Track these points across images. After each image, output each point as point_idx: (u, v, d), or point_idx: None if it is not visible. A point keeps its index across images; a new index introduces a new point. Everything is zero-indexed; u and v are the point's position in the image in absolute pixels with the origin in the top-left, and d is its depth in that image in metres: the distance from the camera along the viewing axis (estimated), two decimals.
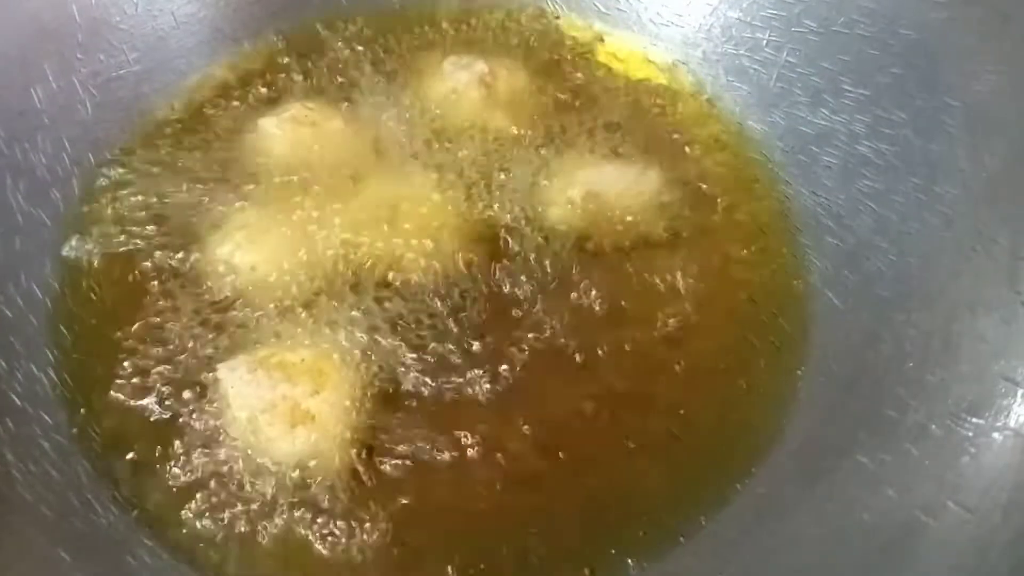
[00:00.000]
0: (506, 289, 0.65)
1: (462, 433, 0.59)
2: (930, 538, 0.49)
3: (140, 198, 0.71)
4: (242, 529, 0.56)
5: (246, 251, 0.65)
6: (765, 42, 0.74)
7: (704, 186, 0.71)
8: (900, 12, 0.67)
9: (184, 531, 0.56)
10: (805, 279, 0.67)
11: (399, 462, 0.58)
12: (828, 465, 0.56)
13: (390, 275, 0.65)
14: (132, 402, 0.60)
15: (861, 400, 0.58)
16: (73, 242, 0.68)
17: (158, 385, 0.61)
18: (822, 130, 0.70)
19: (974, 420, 0.52)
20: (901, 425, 0.55)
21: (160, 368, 0.61)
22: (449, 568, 0.55)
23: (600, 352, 0.63)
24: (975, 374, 0.54)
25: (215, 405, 0.59)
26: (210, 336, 0.62)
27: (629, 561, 0.56)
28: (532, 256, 0.66)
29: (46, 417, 0.59)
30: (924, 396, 0.55)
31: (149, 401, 0.60)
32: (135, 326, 0.63)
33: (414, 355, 0.62)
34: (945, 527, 0.49)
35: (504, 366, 0.62)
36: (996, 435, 0.51)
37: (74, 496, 0.56)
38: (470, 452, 0.59)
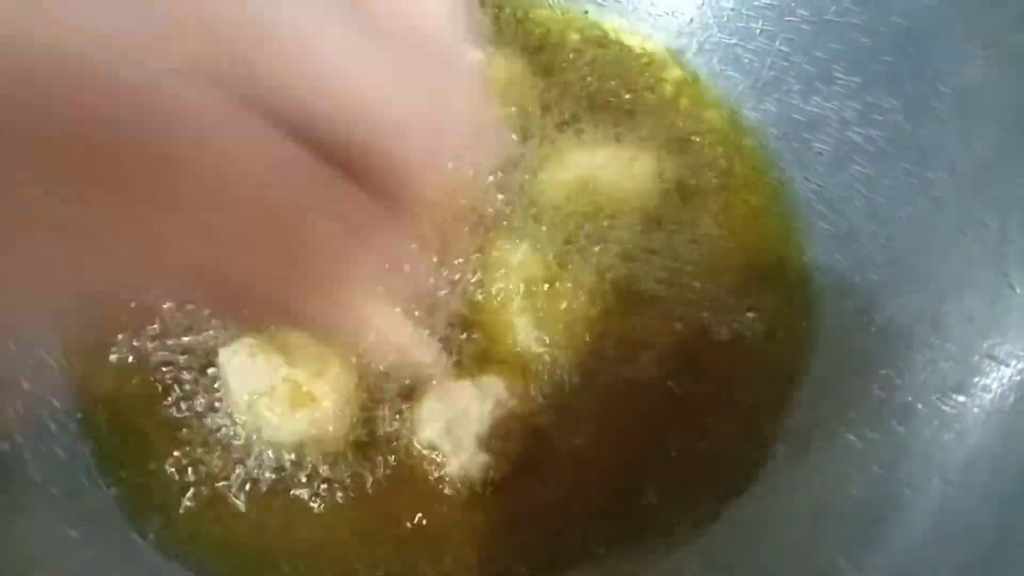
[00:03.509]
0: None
1: None
2: (916, 513, 0.51)
3: None
4: (243, 509, 0.58)
5: None
6: (758, 31, 0.74)
7: (698, 172, 0.72)
8: (892, 0, 0.67)
9: (187, 509, 0.58)
10: (798, 264, 0.68)
11: (401, 445, 0.59)
12: (818, 444, 0.58)
13: None
14: (136, 385, 0.61)
15: (851, 380, 0.60)
16: None
17: (162, 368, 0.62)
18: (814, 117, 0.71)
19: (959, 398, 0.53)
20: (888, 404, 0.56)
21: (163, 352, 0.63)
22: (447, 555, 0.57)
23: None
24: (961, 353, 0.55)
25: (217, 388, 0.61)
26: (212, 321, 0.64)
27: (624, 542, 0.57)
28: (527, 240, 0.67)
29: (53, 400, 0.60)
30: (911, 375, 0.56)
31: (153, 384, 0.61)
32: (139, 311, 0.64)
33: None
34: (930, 502, 0.51)
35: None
36: (979, 412, 0.52)
37: (82, 476, 0.57)
38: None
